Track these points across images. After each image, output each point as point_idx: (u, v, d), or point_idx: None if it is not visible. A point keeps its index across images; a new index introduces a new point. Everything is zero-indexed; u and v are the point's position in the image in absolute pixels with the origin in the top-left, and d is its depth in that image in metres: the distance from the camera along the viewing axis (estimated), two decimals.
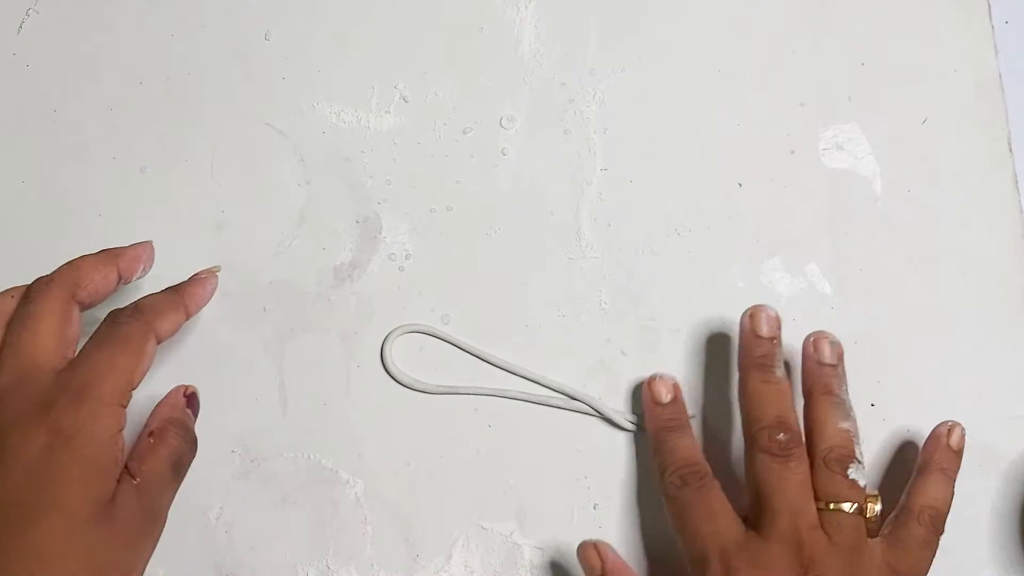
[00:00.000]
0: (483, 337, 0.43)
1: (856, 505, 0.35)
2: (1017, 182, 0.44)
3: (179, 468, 0.37)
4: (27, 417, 0.32)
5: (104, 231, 0.45)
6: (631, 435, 0.42)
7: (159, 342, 0.36)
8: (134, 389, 0.35)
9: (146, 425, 0.37)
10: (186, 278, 0.40)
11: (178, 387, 0.39)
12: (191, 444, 0.38)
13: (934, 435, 0.39)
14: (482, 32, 0.47)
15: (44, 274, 0.37)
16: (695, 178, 0.45)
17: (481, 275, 0.44)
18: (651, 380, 0.41)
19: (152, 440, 0.36)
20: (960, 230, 0.44)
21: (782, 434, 0.36)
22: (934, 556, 0.37)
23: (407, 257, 0.45)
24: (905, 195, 0.44)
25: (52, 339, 0.35)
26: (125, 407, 0.34)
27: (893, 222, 0.44)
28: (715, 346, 0.43)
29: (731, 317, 0.43)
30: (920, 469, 0.39)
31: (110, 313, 0.36)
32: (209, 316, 0.44)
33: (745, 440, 0.37)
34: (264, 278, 0.45)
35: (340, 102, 0.46)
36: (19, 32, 0.48)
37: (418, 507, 0.42)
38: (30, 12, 0.48)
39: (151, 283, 0.44)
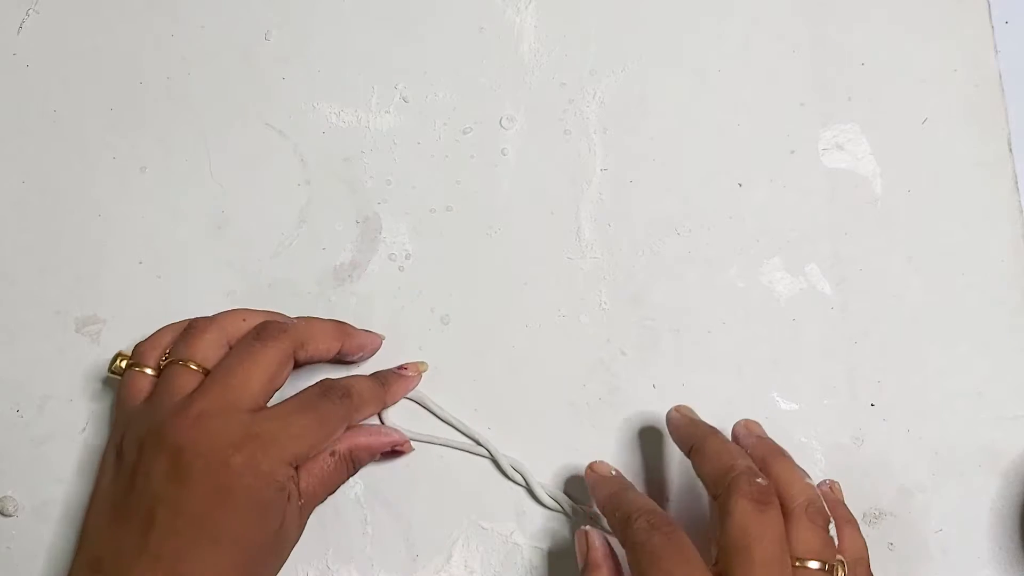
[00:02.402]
0: (483, 337, 0.43)
1: (828, 564, 0.34)
2: (1017, 182, 0.44)
3: (335, 490, 0.39)
4: (215, 451, 0.34)
5: (104, 231, 0.45)
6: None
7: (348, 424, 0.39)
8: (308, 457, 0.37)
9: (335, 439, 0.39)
10: (391, 365, 0.42)
11: (390, 436, 0.40)
12: (357, 470, 0.40)
13: (823, 492, 0.38)
14: (482, 32, 0.47)
15: (281, 315, 0.41)
16: (695, 178, 0.45)
17: (481, 275, 0.44)
18: (592, 464, 0.40)
19: (331, 461, 0.38)
20: (960, 230, 0.44)
21: (760, 479, 0.35)
22: None
23: (407, 257, 0.45)
24: (905, 195, 0.44)
25: (260, 386, 0.37)
26: (299, 466, 0.37)
27: (893, 222, 0.44)
28: (715, 346, 0.43)
29: (731, 317, 0.43)
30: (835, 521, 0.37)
31: (324, 383, 0.38)
32: None
33: (717, 492, 0.35)
34: (264, 278, 0.45)
35: (340, 102, 0.46)
36: (19, 32, 0.48)
37: (418, 507, 0.42)
38: (30, 12, 0.48)
39: (151, 283, 0.45)
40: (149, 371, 0.39)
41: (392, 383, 0.41)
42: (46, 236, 0.45)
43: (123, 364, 0.40)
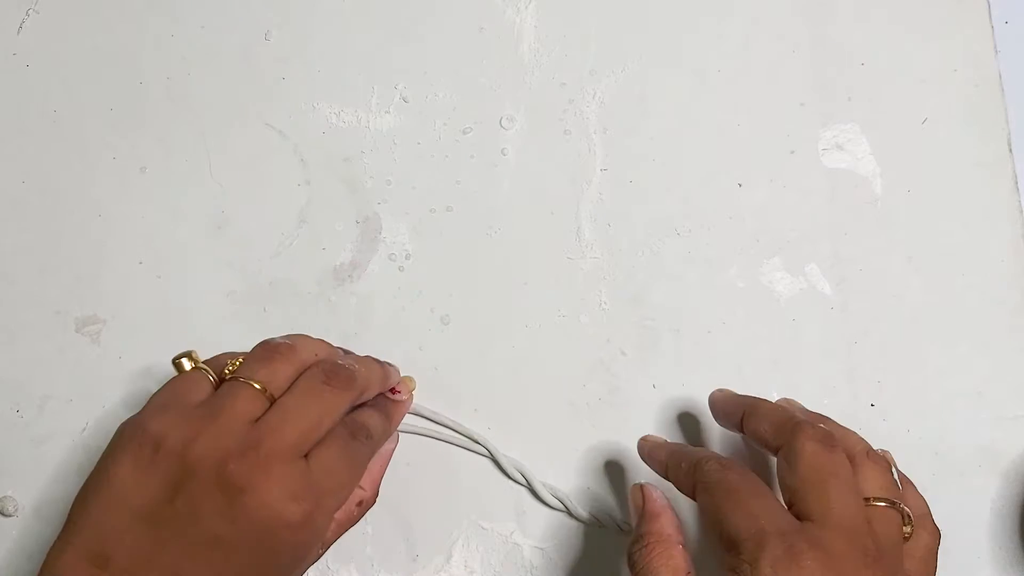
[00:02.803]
0: (483, 337, 0.44)
1: (897, 504, 0.34)
2: (1017, 182, 0.44)
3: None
4: (277, 502, 0.33)
5: (104, 231, 0.45)
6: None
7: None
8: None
9: (361, 486, 0.39)
10: (391, 393, 0.41)
11: (390, 449, 0.41)
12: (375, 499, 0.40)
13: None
14: (482, 32, 0.47)
15: (346, 350, 0.40)
16: (695, 178, 0.45)
17: (481, 275, 0.44)
18: (644, 437, 0.40)
19: (357, 511, 0.39)
20: (960, 230, 0.44)
21: (823, 424, 0.35)
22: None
23: (407, 257, 0.45)
24: (905, 195, 0.44)
25: (322, 434, 0.35)
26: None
27: (893, 222, 0.44)
28: (715, 346, 0.43)
29: (731, 317, 0.43)
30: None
31: (351, 424, 0.37)
32: (210, 316, 0.44)
33: (780, 441, 0.35)
34: (264, 278, 0.45)
35: (340, 102, 0.46)
36: (19, 32, 0.48)
37: (418, 507, 0.42)
38: (30, 12, 0.48)
39: (151, 283, 0.44)
40: (212, 378, 0.36)
41: (392, 414, 0.40)
42: (46, 236, 0.45)
43: (186, 364, 0.37)
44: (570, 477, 0.42)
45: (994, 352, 0.43)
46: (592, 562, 0.41)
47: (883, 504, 0.34)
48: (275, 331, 0.44)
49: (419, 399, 0.43)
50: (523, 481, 0.42)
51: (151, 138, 0.46)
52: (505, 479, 0.42)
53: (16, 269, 0.45)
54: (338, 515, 0.37)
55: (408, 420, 0.42)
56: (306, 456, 0.34)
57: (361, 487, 0.38)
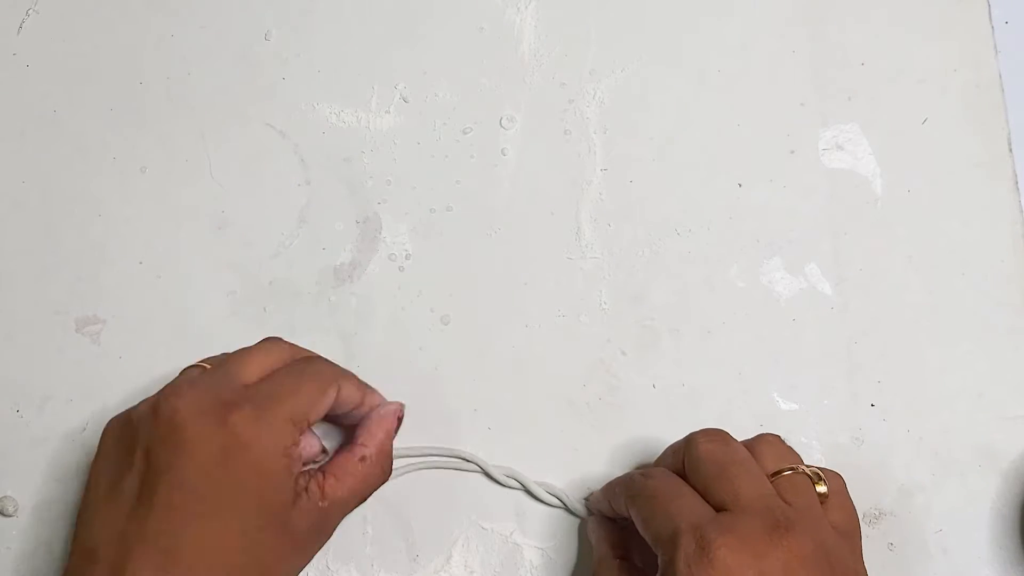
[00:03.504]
0: (483, 337, 0.44)
1: (802, 468, 0.35)
2: (1017, 182, 0.44)
3: (368, 496, 0.38)
4: (211, 411, 0.33)
5: (104, 231, 0.45)
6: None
7: (338, 399, 0.37)
8: (311, 424, 0.36)
9: (356, 439, 0.38)
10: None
11: (393, 408, 0.39)
12: (388, 474, 0.38)
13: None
14: (482, 32, 0.47)
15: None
16: (695, 178, 0.45)
17: (481, 275, 0.44)
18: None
19: (361, 465, 0.37)
20: (960, 230, 0.44)
21: (712, 430, 0.37)
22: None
23: (407, 257, 0.45)
24: (905, 195, 0.44)
25: (234, 368, 0.36)
26: (301, 431, 0.35)
27: (893, 222, 0.44)
28: (715, 346, 0.43)
29: (731, 317, 0.43)
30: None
31: (308, 354, 0.38)
32: (210, 316, 0.44)
33: (676, 461, 0.37)
34: (264, 278, 0.45)
35: (340, 102, 0.46)
36: (19, 32, 0.48)
37: (418, 507, 0.42)
38: (30, 12, 0.48)
39: (151, 283, 0.45)
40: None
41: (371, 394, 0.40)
42: (46, 236, 0.45)
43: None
44: (569, 477, 0.42)
45: (994, 352, 0.43)
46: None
47: (788, 472, 0.35)
48: (275, 331, 0.44)
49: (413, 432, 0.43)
50: (517, 486, 0.42)
51: (151, 138, 0.46)
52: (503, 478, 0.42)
53: (16, 269, 0.45)
54: (338, 470, 0.36)
55: (396, 462, 0.41)
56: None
57: (363, 444, 0.37)
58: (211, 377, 0.36)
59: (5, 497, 0.43)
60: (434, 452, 0.42)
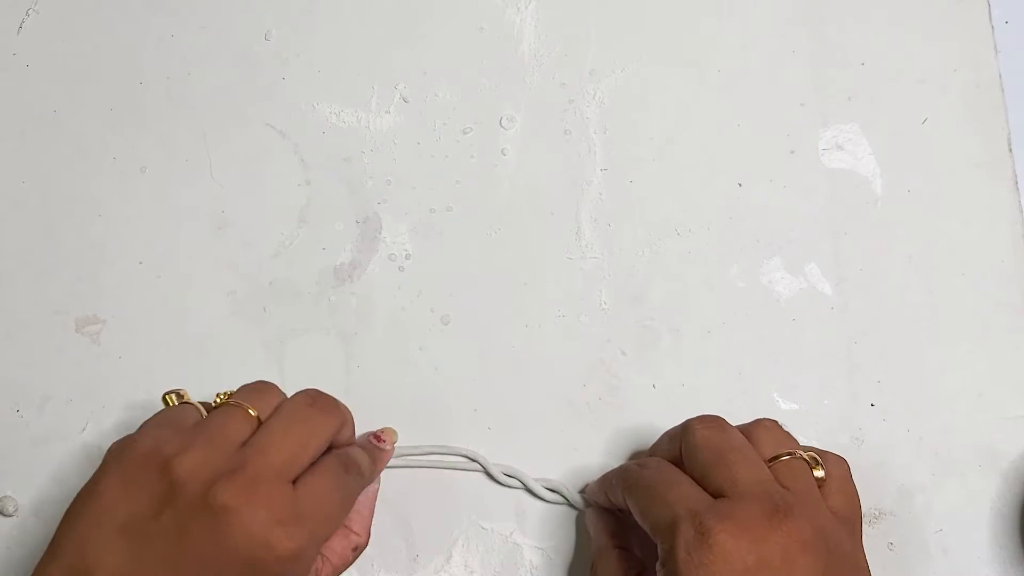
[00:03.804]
0: (483, 337, 0.44)
1: (799, 453, 0.35)
2: (1017, 182, 0.44)
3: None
4: (261, 526, 0.32)
5: (104, 231, 0.45)
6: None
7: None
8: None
9: (350, 524, 0.38)
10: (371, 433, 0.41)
11: (375, 487, 0.41)
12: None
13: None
14: (482, 32, 0.47)
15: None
16: (695, 178, 0.45)
17: (481, 275, 0.44)
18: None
19: (353, 555, 0.38)
20: (960, 230, 0.44)
21: (709, 417, 0.37)
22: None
23: (407, 257, 0.45)
24: (905, 195, 0.44)
25: (309, 457, 0.35)
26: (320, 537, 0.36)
27: (893, 222, 0.44)
28: (715, 346, 0.43)
29: (731, 317, 0.43)
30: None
31: (342, 457, 0.37)
32: (210, 316, 0.44)
33: (672, 448, 0.37)
34: (264, 278, 0.45)
35: (340, 102, 0.46)
36: (19, 32, 0.48)
37: (418, 507, 0.42)
38: (30, 12, 0.48)
39: (151, 283, 0.45)
40: (203, 411, 0.37)
41: (377, 460, 0.40)
42: (46, 236, 0.45)
43: (175, 399, 0.38)
44: (569, 477, 0.42)
45: (994, 352, 0.43)
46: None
47: (786, 458, 0.35)
48: (275, 331, 0.44)
49: (409, 431, 0.43)
50: (518, 484, 0.42)
51: (151, 138, 0.46)
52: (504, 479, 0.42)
53: (16, 269, 0.45)
54: (334, 559, 0.37)
55: (396, 459, 0.42)
56: (296, 483, 0.34)
57: (356, 532, 0.38)
58: (264, 467, 0.33)
59: (5, 497, 0.43)
60: (435, 451, 0.42)
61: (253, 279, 0.45)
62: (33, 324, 0.44)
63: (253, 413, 0.36)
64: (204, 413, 0.36)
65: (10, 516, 0.42)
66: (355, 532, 0.38)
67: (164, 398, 0.38)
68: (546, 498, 0.42)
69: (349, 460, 0.37)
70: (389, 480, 0.42)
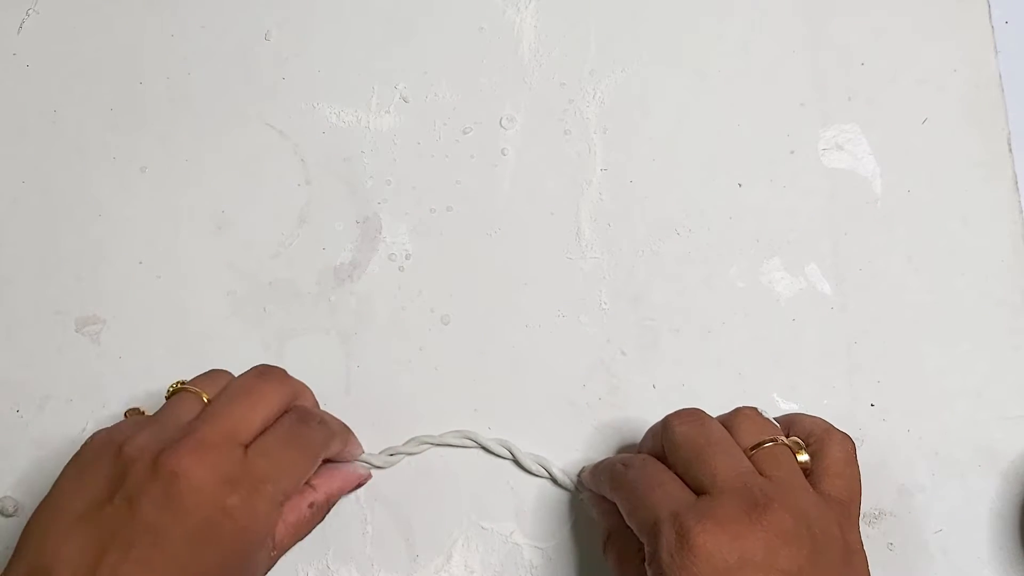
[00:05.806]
0: (483, 337, 0.44)
1: (781, 440, 0.35)
2: (1017, 182, 0.44)
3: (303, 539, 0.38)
4: (211, 486, 0.33)
5: (104, 231, 0.45)
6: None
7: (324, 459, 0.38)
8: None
9: (313, 487, 0.38)
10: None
11: (360, 474, 0.41)
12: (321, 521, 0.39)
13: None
14: (482, 32, 0.47)
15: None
16: (695, 178, 0.45)
17: (481, 275, 0.44)
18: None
19: (309, 512, 0.37)
20: (960, 230, 0.44)
21: (687, 411, 0.37)
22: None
23: (407, 257, 0.45)
24: (905, 195, 0.44)
25: (260, 423, 0.36)
26: (283, 505, 0.36)
27: (893, 222, 0.44)
28: (715, 346, 0.43)
29: (731, 317, 0.43)
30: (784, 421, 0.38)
31: (299, 410, 0.37)
32: (210, 316, 0.44)
33: (656, 445, 0.37)
34: (264, 278, 0.45)
35: (340, 102, 0.46)
36: (19, 32, 0.48)
37: (418, 507, 0.42)
38: (30, 12, 0.48)
39: (151, 283, 0.45)
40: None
41: (350, 437, 0.41)
42: (46, 236, 0.45)
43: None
44: (569, 476, 0.42)
45: (994, 352, 0.43)
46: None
47: (768, 445, 0.35)
48: (275, 331, 0.44)
49: (428, 423, 0.43)
50: (508, 456, 0.42)
51: (151, 138, 0.46)
52: (503, 479, 0.42)
53: (16, 269, 0.45)
54: (289, 515, 0.36)
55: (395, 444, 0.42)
56: (248, 447, 0.35)
57: (312, 486, 0.38)
58: (210, 432, 0.34)
59: (5, 497, 0.43)
60: (428, 441, 0.42)
61: (253, 279, 0.45)
62: (33, 324, 0.44)
63: (205, 397, 0.37)
64: None
65: (10, 516, 0.42)
66: (312, 486, 0.38)
67: (125, 415, 0.38)
68: (534, 472, 0.41)
69: (305, 412, 0.38)
70: (389, 480, 0.42)
